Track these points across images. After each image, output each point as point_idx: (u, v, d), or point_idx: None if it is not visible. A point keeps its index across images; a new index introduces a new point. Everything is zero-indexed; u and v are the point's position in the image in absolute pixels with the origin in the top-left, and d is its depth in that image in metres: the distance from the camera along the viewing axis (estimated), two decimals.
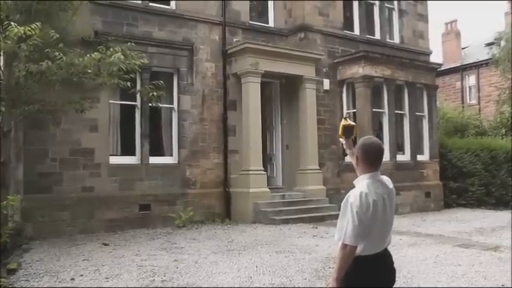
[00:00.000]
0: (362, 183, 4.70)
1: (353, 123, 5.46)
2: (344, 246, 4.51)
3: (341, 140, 5.47)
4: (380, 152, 4.86)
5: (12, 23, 11.23)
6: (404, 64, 22.09)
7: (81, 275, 10.11)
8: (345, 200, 4.64)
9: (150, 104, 16.54)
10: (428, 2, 25.69)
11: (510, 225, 16.70)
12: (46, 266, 10.89)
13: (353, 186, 4.79)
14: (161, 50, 17.70)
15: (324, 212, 18.36)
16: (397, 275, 5.04)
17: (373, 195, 4.57)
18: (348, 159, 5.41)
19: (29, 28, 11.14)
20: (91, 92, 15.02)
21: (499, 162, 24.92)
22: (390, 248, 4.88)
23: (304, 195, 19.27)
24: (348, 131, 5.38)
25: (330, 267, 10.20)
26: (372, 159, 4.78)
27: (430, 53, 25.68)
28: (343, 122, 5.38)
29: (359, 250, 4.55)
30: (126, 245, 13.62)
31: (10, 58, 12.61)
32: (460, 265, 10.94)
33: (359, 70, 20.55)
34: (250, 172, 18.14)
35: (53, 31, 12.14)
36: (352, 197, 4.57)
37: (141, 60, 13.92)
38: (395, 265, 4.95)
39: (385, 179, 4.87)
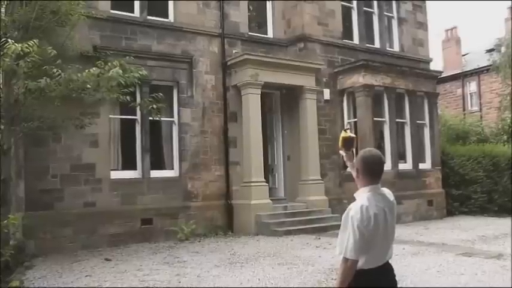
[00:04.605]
0: (363, 196, 4.67)
1: (353, 135, 5.44)
2: (345, 260, 4.50)
3: (341, 152, 5.44)
4: (381, 164, 4.82)
5: (9, 40, 11.22)
6: (405, 72, 22.08)
7: None
8: (345, 213, 4.61)
9: (150, 118, 16.54)
10: (427, 9, 25.74)
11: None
12: (48, 283, 10.88)
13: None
14: (160, 63, 17.70)
15: (326, 222, 18.30)
16: (400, 284, 5.00)
17: (374, 209, 4.54)
18: (349, 169, 5.37)
19: (27, 45, 11.12)
20: (91, 107, 14.92)
21: (501, 169, 24.88)
22: (393, 258, 4.85)
23: (306, 206, 19.22)
24: (348, 143, 5.37)
25: (332, 279, 10.17)
26: (372, 171, 4.75)
27: (430, 60, 25.69)
28: (343, 134, 5.37)
29: (360, 263, 4.53)
30: (129, 259, 13.58)
31: (9, 75, 12.60)
32: (463, 274, 10.91)
33: (359, 79, 20.52)
34: (252, 184, 18.10)
35: (50, 47, 12.11)
36: (353, 211, 4.54)
37: (140, 72, 13.87)
38: (398, 275, 4.93)
39: (386, 191, 4.84)
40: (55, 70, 12.18)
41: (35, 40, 11.37)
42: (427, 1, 25.74)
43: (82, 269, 12.39)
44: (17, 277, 11.19)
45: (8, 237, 12.23)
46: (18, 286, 10.39)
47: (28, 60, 11.52)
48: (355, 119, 20.93)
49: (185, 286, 10.36)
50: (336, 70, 21.30)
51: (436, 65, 39.46)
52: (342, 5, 22.21)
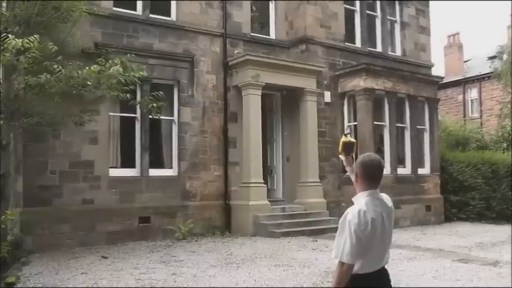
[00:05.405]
0: (361, 200, 4.65)
1: (353, 140, 5.45)
2: (341, 264, 4.48)
3: (341, 156, 5.45)
4: (380, 169, 4.81)
5: (10, 36, 11.21)
6: (406, 77, 22.06)
7: None
8: (343, 217, 4.59)
9: (150, 116, 16.51)
10: (430, 14, 25.72)
11: (510, 240, 16.62)
12: (44, 280, 10.84)
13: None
14: (161, 62, 17.68)
15: (324, 225, 18.27)
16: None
17: (372, 213, 4.53)
18: (348, 173, 5.38)
19: (27, 40, 11.11)
20: (91, 104, 14.93)
21: (500, 176, 24.87)
22: (389, 262, 4.83)
23: (304, 208, 19.20)
24: (348, 147, 5.37)
25: (328, 282, 10.15)
26: (371, 176, 4.73)
27: (432, 65, 25.67)
28: (343, 139, 5.37)
29: (356, 268, 4.51)
30: (125, 257, 13.56)
31: (9, 71, 12.61)
32: (459, 280, 10.93)
33: (360, 83, 20.51)
34: (251, 185, 18.09)
35: (51, 43, 12.10)
36: (351, 215, 4.52)
37: (141, 73, 13.86)
38: (393, 279, 4.93)
39: (385, 197, 4.82)
40: (55, 66, 12.17)
41: (35, 36, 11.37)
42: (430, 5, 25.74)
43: (78, 266, 12.37)
44: (13, 273, 11.17)
45: (5, 233, 12.21)
46: (14, 282, 10.38)
47: (28, 55, 11.52)
48: (355, 123, 20.93)
49: (181, 285, 10.35)
50: (337, 73, 21.29)
51: (437, 70, 39.66)
52: (345, 8, 22.18)
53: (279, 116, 21.05)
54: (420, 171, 22.43)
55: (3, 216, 11.53)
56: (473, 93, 43.94)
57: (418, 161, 22.38)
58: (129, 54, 14.49)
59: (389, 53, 23.83)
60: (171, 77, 18.07)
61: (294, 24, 21.28)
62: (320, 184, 19.89)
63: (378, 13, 23.61)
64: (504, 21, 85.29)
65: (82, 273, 11.48)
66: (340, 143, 5.37)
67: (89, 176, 16.03)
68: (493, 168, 24.77)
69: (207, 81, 18.79)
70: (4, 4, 12.96)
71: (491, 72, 38.97)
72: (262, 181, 18.59)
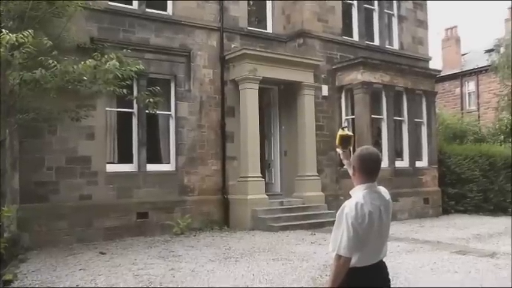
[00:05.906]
0: (358, 193, 4.64)
1: (350, 133, 5.44)
2: (338, 257, 4.47)
3: (338, 150, 5.43)
4: (377, 162, 4.80)
5: (4, 30, 11.13)
6: (404, 70, 22.03)
7: (77, 285, 10.03)
8: (340, 210, 4.58)
9: (147, 111, 16.46)
10: (428, 8, 25.67)
11: (508, 232, 16.66)
12: (42, 277, 10.80)
13: None
14: (158, 57, 17.61)
15: (322, 218, 18.26)
16: (393, 282, 4.97)
17: (369, 206, 4.51)
18: (346, 166, 5.37)
19: (22, 35, 11.04)
20: (87, 99, 14.82)
21: (497, 168, 24.95)
22: (388, 255, 4.82)
23: (302, 202, 19.20)
24: (345, 141, 5.36)
25: (327, 275, 10.10)
26: (369, 170, 4.73)
27: (430, 59, 25.66)
28: (340, 132, 5.36)
29: (354, 261, 4.49)
30: (124, 253, 13.52)
31: (3, 66, 12.47)
32: (457, 272, 10.95)
33: (358, 76, 20.47)
34: (249, 179, 18.07)
35: (46, 38, 12.03)
36: (348, 208, 4.51)
37: (137, 67, 13.79)
38: (392, 272, 4.91)
39: (382, 190, 4.81)
40: (51, 61, 12.08)
41: (30, 30, 11.29)
42: None
43: (76, 262, 12.33)
44: (11, 270, 11.09)
45: (2, 230, 12.15)
46: (11, 279, 10.32)
47: (23, 50, 11.45)
48: (353, 116, 20.87)
49: (179, 280, 10.33)
50: (334, 67, 21.25)
51: (435, 63, 39.54)
52: (343, 2, 22.13)
53: (277, 110, 21.01)
54: (418, 164, 22.42)
55: (0, 213, 11.48)
56: (470, 86, 43.92)
57: (415, 154, 22.35)
58: (125, 49, 14.43)
59: (387, 46, 23.80)
60: (167, 72, 18.00)
61: (291, 18, 21.22)
62: (318, 178, 19.89)
63: (376, 7, 23.56)
64: (501, 15, 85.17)
65: (80, 270, 11.44)
66: (338, 137, 5.36)
67: (86, 172, 15.97)
68: (490, 161, 24.87)
69: (204, 76, 18.73)
70: None
71: (489, 66, 38.88)
72: (260, 175, 18.55)
